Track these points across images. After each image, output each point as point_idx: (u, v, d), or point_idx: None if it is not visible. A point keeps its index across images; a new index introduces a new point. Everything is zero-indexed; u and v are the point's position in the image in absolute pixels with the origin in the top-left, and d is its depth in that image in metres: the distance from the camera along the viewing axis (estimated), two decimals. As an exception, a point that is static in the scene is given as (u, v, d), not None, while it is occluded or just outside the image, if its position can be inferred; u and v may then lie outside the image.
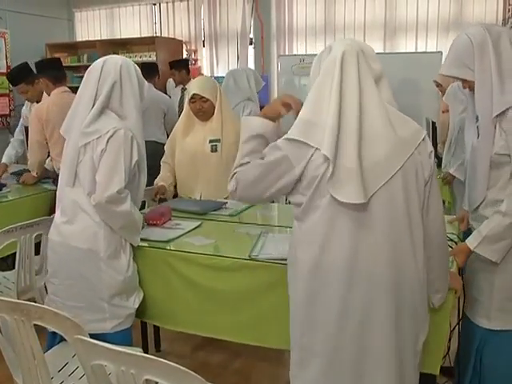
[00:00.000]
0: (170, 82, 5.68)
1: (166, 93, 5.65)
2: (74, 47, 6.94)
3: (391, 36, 5.68)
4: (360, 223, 1.38)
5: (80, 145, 1.97)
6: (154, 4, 6.81)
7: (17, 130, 4.15)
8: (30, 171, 3.53)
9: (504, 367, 1.85)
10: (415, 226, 1.41)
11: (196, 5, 6.57)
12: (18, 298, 2.36)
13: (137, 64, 2.13)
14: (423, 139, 1.43)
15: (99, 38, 6.96)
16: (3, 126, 6.26)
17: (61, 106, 3.32)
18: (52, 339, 2.01)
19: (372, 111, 1.38)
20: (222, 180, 2.86)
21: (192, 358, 2.85)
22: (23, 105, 4.23)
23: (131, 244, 2.08)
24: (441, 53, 4.63)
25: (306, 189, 1.42)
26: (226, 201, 2.74)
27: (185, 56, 6.62)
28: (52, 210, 2.94)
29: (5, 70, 6.22)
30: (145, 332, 2.69)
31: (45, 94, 3.57)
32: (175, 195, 3.09)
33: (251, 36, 6.34)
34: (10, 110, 6.34)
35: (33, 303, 1.56)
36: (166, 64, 5.47)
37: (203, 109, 2.84)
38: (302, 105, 1.52)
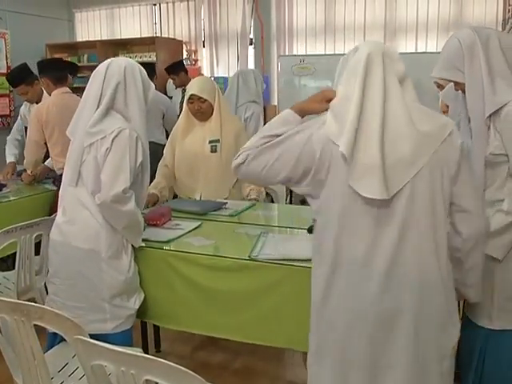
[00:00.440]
0: (170, 82, 5.68)
1: (166, 94, 5.66)
2: (74, 47, 6.94)
3: (391, 36, 5.69)
4: (380, 220, 1.37)
5: (85, 145, 1.97)
6: (154, 4, 6.81)
7: (14, 129, 4.12)
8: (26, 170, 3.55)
9: (506, 367, 1.84)
10: (439, 226, 1.40)
11: (196, 5, 6.58)
12: (18, 299, 2.36)
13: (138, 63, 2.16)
14: (449, 134, 1.41)
15: (99, 39, 6.95)
16: (3, 127, 6.26)
17: (60, 107, 3.32)
18: (52, 339, 2.00)
19: (396, 110, 1.38)
20: (222, 180, 2.88)
21: (192, 358, 2.85)
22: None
23: (132, 245, 2.08)
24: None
25: (318, 179, 1.42)
26: (225, 201, 2.74)
27: (185, 56, 6.62)
28: (52, 210, 2.95)
29: (5, 71, 6.21)
30: (145, 332, 2.69)
31: (45, 94, 3.57)
32: (175, 196, 3.09)
33: (251, 36, 6.34)
34: (11, 111, 6.34)
35: (33, 303, 1.56)
36: (166, 64, 5.47)
37: (201, 109, 2.83)
38: None
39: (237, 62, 6.42)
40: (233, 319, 1.99)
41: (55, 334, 1.82)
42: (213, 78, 6.31)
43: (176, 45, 6.57)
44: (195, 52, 6.67)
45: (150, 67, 4.91)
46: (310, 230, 2.21)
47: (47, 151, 3.47)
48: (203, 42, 6.64)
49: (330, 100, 1.50)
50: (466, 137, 1.88)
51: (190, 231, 2.30)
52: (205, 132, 2.87)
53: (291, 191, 4.61)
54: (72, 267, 1.99)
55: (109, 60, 2.08)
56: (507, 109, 1.70)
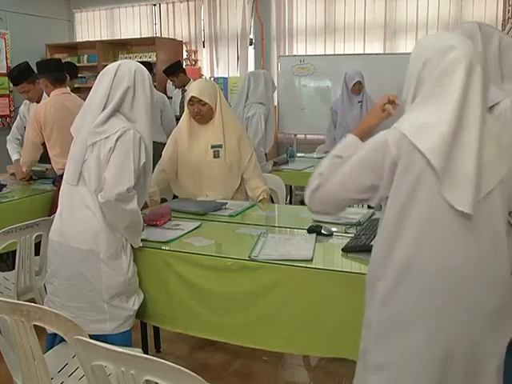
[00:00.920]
0: (170, 83, 5.68)
1: (166, 94, 5.65)
2: (74, 48, 6.95)
3: (391, 37, 5.69)
4: (464, 229, 1.33)
5: (88, 144, 1.98)
6: (154, 5, 6.81)
7: (13, 128, 4.11)
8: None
9: None
10: (503, 232, 1.35)
11: (196, 5, 6.58)
12: (18, 299, 2.36)
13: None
14: None
15: (99, 39, 6.96)
16: (3, 127, 6.27)
17: (58, 108, 3.32)
18: (52, 340, 2.00)
19: (491, 124, 1.35)
20: (226, 185, 2.86)
21: (192, 358, 2.85)
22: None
23: (132, 246, 2.08)
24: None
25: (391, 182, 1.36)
26: (225, 201, 2.74)
27: (185, 56, 6.63)
28: (52, 211, 2.95)
29: (5, 71, 6.22)
30: (144, 333, 2.68)
31: (45, 95, 3.57)
32: (174, 196, 3.08)
33: (251, 37, 6.35)
34: (11, 111, 6.35)
35: (33, 304, 1.56)
36: (166, 64, 5.47)
37: (201, 112, 2.79)
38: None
39: (237, 62, 6.43)
40: (232, 320, 1.99)
41: (55, 334, 1.81)
42: (213, 79, 6.33)
43: (176, 45, 6.57)
44: (195, 52, 6.67)
45: (147, 67, 4.92)
46: (310, 230, 2.22)
47: (45, 152, 3.46)
48: (203, 42, 6.65)
49: (392, 102, 1.50)
50: None
51: (189, 231, 2.29)
52: (207, 136, 2.83)
53: (291, 191, 4.61)
54: (71, 268, 1.98)
55: (118, 62, 2.09)
56: (499, 110, 1.67)
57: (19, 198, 3.28)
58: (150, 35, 6.75)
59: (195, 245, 2.13)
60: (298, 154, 4.91)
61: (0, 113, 6.30)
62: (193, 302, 2.04)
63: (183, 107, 3.13)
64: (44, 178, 3.64)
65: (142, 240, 2.13)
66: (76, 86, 5.31)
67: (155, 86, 4.86)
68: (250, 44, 6.36)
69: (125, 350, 1.24)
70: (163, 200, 3.00)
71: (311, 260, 1.90)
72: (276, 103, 6.17)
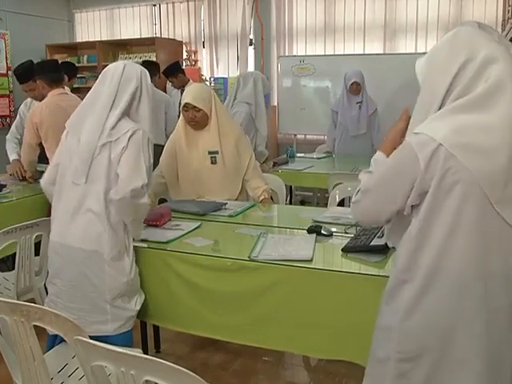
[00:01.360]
0: (170, 83, 5.68)
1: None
2: (73, 48, 6.95)
3: (391, 37, 5.69)
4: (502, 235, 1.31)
5: (99, 144, 1.98)
6: (154, 5, 6.81)
7: (12, 128, 4.10)
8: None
9: None
10: None
11: (196, 6, 6.58)
12: (18, 299, 2.36)
13: (137, 63, 2.17)
14: None
15: (99, 39, 6.96)
16: (3, 127, 6.27)
17: (53, 108, 3.32)
18: (52, 340, 2.00)
19: None
20: (226, 190, 2.85)
21: (192, 358, 2.85)
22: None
23: (133, 247, 2.08)
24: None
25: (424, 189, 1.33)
26: (225, 201, 2.74)
27: (184, 57, 6.63)
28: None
29: (5, 71, 6.23)
30: (144, 333, 2.68)
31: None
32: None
33: (251, 37, 6.35)
34: (10, 111, 6.35)
35: (33, 304, 1.56)
36: (166, 64, 5.46)
37: (196, 118, 2.77)
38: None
39: (237, 62, 6.43)
40: (233, 319, 1.99)
41: (56, 335, 1.82)
42: (213, 79, 6.33)
43: (176, 45, 6.58)
44: (195, 53, 6.67)
45: (153, 65, 4.89)
46: (310, 231, 2.22)
47: (43, 151, 3.46)
48: (203, 42, 6.65)
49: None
50: None
51: (189, 232, 2.29)
52: (204, 142, 2.82)
53: (291, 191, 4.62)
54: (74, 269, 1.98)
55: (122, 62, 2.09)
56: None
57: (19, 198, 3.27)
58: (149, 35, 6.75)
59: (195, 245, 2.13)
60: (298, 155, 4.92)
61: (0, 113, 6.29)
62: (193, 301, 2.04)
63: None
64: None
65: (142, 240, 2.14)
66: (75, 86, 5.31)
67: (156, 87, 4.86)
68: (250, 44, 6.36)
69: (125, 351, 1.24)
70: (163, 200, 3.00)
71: (311, 260, 1.90)
72: (276, 103, 6.19)
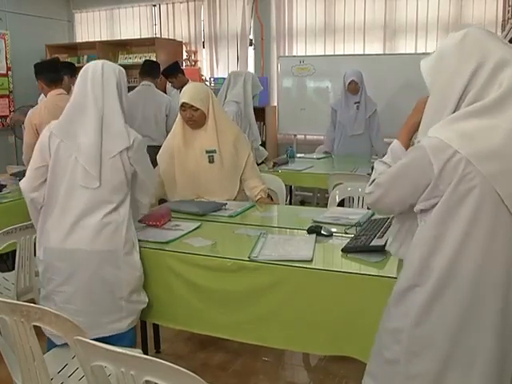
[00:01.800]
0: (169, 84, 5.67)
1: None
2: (73, 48, 6.95)
3: (391, 37, 5.69)
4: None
5: (116, 150, 2.02)
6: (154, 5, 6.81)
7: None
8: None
9: None
10: None
11: (196, 6, 6.58)
12: (18, 299, 2.36)
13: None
14: None
15: (99, 39, 6.96)
16: (3, 127, 6.27)
17: (52, 109, 3.33)
18: (53, 342, 2.00)
19: None
20: (224, 190, 2.85)
21: (192, 358, 2.85)
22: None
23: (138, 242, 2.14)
24: (440, 54, 4.64)
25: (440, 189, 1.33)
26: (225, 202, 2.74)
27: (184, 57, 6.63)
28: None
29: (5, 71, 6.23)
30: (144, 333, 2.68)
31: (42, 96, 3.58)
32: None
33: (251, 37, 6.35)
34: (10, 111, 6.34)
35: (32, 304, 1.56)
36: (166, 65, 5.46)
37: (193, 117, 2.78)
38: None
39: (237, 62, 6.43)
40: (232, 319, 1.99)
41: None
42: (212, 79, 6.33)
43: (176, 46, 6.58)
44: (195, 53, 6.68)
45: (154, 65, 4.86)
46: (310, 231, 2.22)
47: None
48: (203, 42, 6.65)
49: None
50: None
51: (189, 232, 2.29)
52: (201, 141, 2.83)
53: (291, 192, 4.62)
54: (87, 272, 1.98)
55: (100, 61, 2.10)
56: None
57: (19, 198, 3.26)
58: (149, 36, 6.75)
59: (195, 245, 2.13)
60: (298, 155, 4.91)
61: (0, 113, 6.29)
62: (194, 300, 2.05)
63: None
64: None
65: (142, 241, 2.15)
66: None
67: (156, 87, 4.85)
68: (250, 44, 6.36)
69: (125, 351, 1.24)
70: (163, 201, 3.00)
71: (311, 260, 1.90)
72: (276, 103, 6.19)
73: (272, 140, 6.22)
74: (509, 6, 4.01)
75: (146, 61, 4.98)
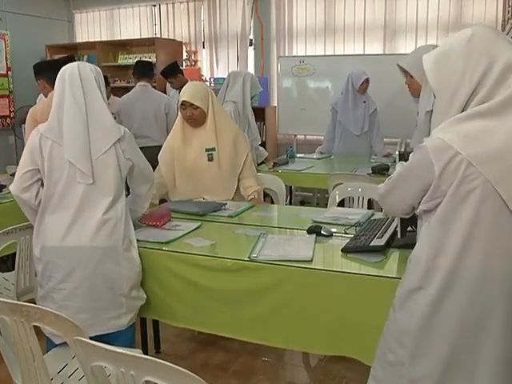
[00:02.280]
0: (169, 84, 5.67)
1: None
2: (73, 48, 6.94)
3: (391, 37, 5.69)
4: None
5: (107, 145, 2.02)
6: (154, 5, 6.81)
7: None
8: None
9: None
10: None
11: (196, 6, 6.58)
12: (18, 300, 2.36)
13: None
14: None
15: (99, 40, 6.96)
16: (3, 127, 6.27)
17: None
18: (53, 342, 2.00)
19: None
20: (223, 189, 2.86)
21: (192, 358, 2.85)
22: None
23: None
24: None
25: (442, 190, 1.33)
26: (225, 202, 2.74)
27: (184, 57, 6.63)
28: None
29: (5, 72, 6.23)
30: (144, 333, 2.68)
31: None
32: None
33: (251, 37, 6.35)
34: (10, 111, 6.34)
35: (32, 304, 1.56)
36: (166, 65, 5.46)
37: (194, 116, 2.80)
38: None
39: (236, 63, 6.43)
40: (233, 318, 2.00)
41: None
42: (212, 79, 6.33)
43: (176, 46, 6.58)
44: (195, 53, 6.67)
45: (148, 65, 4.85)
46: (310, 231, 2.22)
47: None
48: (203, 42, 6.65)
49: None
50: None
51: (189, 232, 2.30)
52: (201, 140, 2.84)
53: (291, 192, 4.62)
54: (87, 268, 1.99)
55: (76, 63, 2.11)
56: None
57: (19, 199, 3.27)
58: (149, 36, 6.74)
59: (195, 245, 2.13)
60: (298, 155, 4.91)
61: (0, 113, 6.29)
62: (194, 299, 2.05)
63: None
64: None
65: (141, 241, 2.16)
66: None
67: (155, 87, 4.85)
68: (250, 45, 6.36)
69: (125, 351, 1.24)
70: (163, 201, 3.00)
71: (311, 261, 1.90)
72: (276, 104, 6.19)
73: (272, 140, 6.22)
74: (509, 6, 4.01)
75: (139, 61, 4.96)
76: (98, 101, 2.06)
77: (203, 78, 6.51)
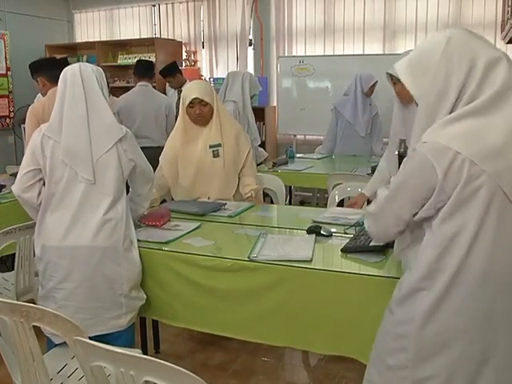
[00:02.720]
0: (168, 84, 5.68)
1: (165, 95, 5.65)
2: (73, 48, 6.95)
3: (390, 37, 5.69)
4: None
5: (109, 145, 2.02)
6: (154, 5, 6.81)
7: None
8: None
9: None
10: None
11: (196, 6, 6.58)
12: (18, 300, 2.36)
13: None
14: None
15: (99, 40, 6.96)
16: (3, 127, 6.27)
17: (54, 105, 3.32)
18: (52, 340, 2.01)
19: None
20: (227, 184, 2.87)
21: (192, 359, 2.85)
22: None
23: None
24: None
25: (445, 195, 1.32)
26: (225, 202, 2.74)
27: (184, 57, 6.63)
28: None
29: (5, 72, 6.23)
30: (144, 333, 2.68)
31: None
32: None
33: (251, 37, 6.35)
34: (10, 111, 6.34)
35: (32, 304, 1.56)
36: (165, 65, 5.46)
37: (202, 113, 2.79)
38: None
39: (236, 63, 6.43)
40: (232, 317, 2.00)
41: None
42: (212, 79, 6.33)
43: (175, 46, 6.58)
44: (194, 53, 6.67)
45: (149, 65, 4.85)
46: (310, 231, 2.22)
47: None
48: (202, 43, 6.65)
49: None
50: None
51: (189, 232, 2.30)
52: (205, 137, 2.84)
53: (291, 192, 4.62)
54: (87, 268, 1.99)
55: (77, 64, 2.11)
56: None
57: (19, 199, 3.27)
58: (149, 36, 6.75)
59: (195, 245, 2.13)
60: (298, 155, 4.91)
61: (-1, 113, 6.30)
62: (194, 298, 2.05)
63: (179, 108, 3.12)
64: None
65: (141, 241, 2.16)
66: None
67: (154, 87, 4.84)
68: (250, 45, 6.36)
69: (124, 351, 1.24)
70: (163, 201, 3.00)
71: (310, 260, 1.90)
72: (275, 104, 6.19)
73: (272, 140, 6.22)
74: (508, 7, 4.00)
75: (139, 61, 4.95)
76: (100, 100, 2.05)
77: (203, 78, 6.51)
